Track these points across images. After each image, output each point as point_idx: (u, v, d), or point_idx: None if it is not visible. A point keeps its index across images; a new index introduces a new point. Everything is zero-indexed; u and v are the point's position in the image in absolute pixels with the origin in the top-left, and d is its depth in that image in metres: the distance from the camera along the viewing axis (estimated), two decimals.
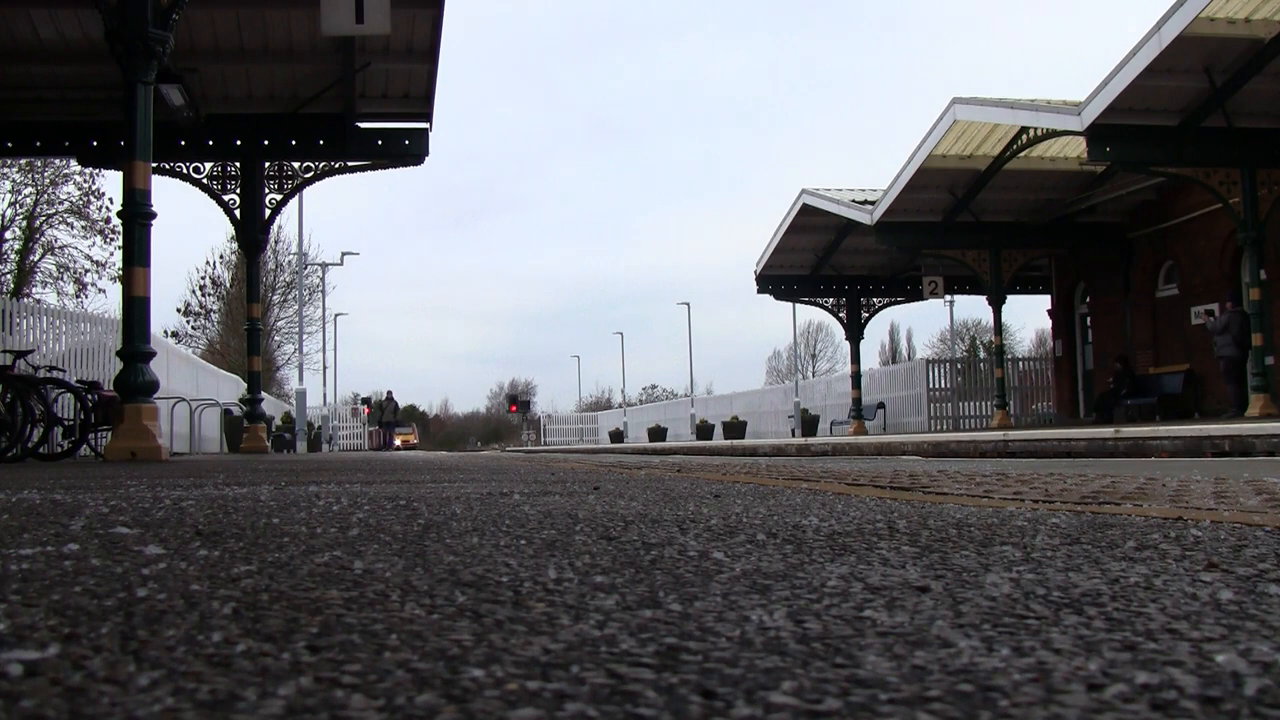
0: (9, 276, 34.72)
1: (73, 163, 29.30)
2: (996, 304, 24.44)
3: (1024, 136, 20.03)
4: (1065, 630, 1.03)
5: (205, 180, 17.29)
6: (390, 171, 17.86)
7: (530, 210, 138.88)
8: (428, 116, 17.33)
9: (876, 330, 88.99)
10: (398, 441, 59.61)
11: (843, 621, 1.08)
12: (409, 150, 17.24)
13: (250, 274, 18.78)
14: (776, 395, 40.14)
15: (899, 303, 30.62)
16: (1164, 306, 23.18)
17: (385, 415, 40.96)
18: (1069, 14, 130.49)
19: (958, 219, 23.56)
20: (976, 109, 19.83)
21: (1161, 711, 0.74)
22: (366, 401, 47.87)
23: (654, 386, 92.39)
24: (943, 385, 29.31)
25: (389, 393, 41.64)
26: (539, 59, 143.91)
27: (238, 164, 17.32)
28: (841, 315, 30.10)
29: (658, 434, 42.38)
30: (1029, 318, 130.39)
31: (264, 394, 21.35)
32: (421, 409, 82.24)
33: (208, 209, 68.27)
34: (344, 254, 44.20)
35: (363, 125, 17.22)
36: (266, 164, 17.40)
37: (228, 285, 48.56)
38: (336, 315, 48.24)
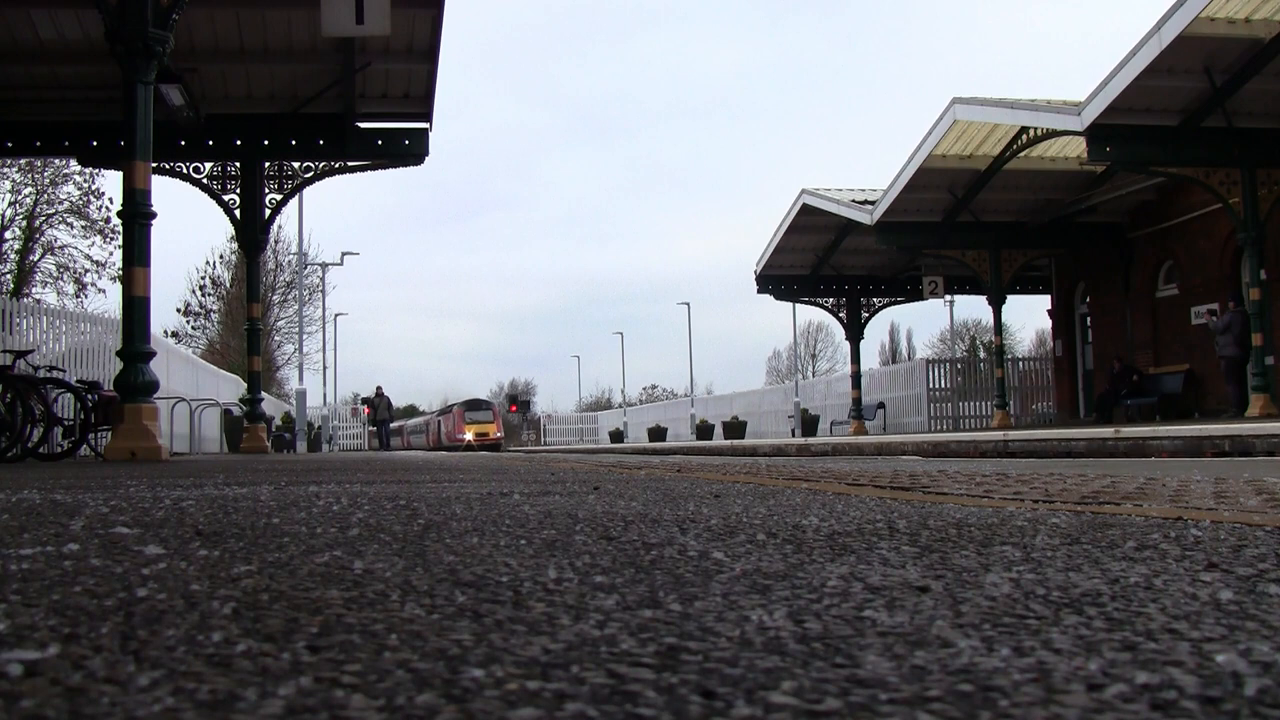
0: (9, 276, 34.71)
1: (73, 163, 29.33)
2: (996, 304, 24.45)
3: (1024, 136, 20.04)
4: (1065, 630, 1.03)
5: (205, 180, 17.29)
6: (390, 171, 17.89)
7: (530, 209, 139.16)
8: (428, 116, 17.34)
9: (876, 330, 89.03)
10: (469, 436, 43.24)
11: (843, 621, 1.08)
12: (409, 150, 17.26)
13: (250, 274, 18.79)
14: (776, 395, 40.14)
15: (899, 303, 30.64)
16: (1164, 306, 23.18)
17: (379, 414, 36.37)
18: (1070, 13, 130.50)
19: (958, 219, 23.56)
20: (976, 109, 19.84)
21: (1161, 711, 0.74)
22: (367, 401, 43.41)
23: (654, 386, 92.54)
24: (943, 385, 29.32)
25: (379, 388, 37.37)
26: (538, 54, 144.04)
27: (238, 164, 17.32)
28: (841, 315, 30.10)
29: (658, 434, 42.38)
30: (1029, 318, 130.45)
31: (264, 394, 21.35)
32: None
33: (208, 209, 68.13)
34: (344, 254, 44.24)
35: (363, 125, 17.23)
36: (266, 164, 17.41)
37: (228, 285, 48.59)
38: (336, 315, 48.23)
